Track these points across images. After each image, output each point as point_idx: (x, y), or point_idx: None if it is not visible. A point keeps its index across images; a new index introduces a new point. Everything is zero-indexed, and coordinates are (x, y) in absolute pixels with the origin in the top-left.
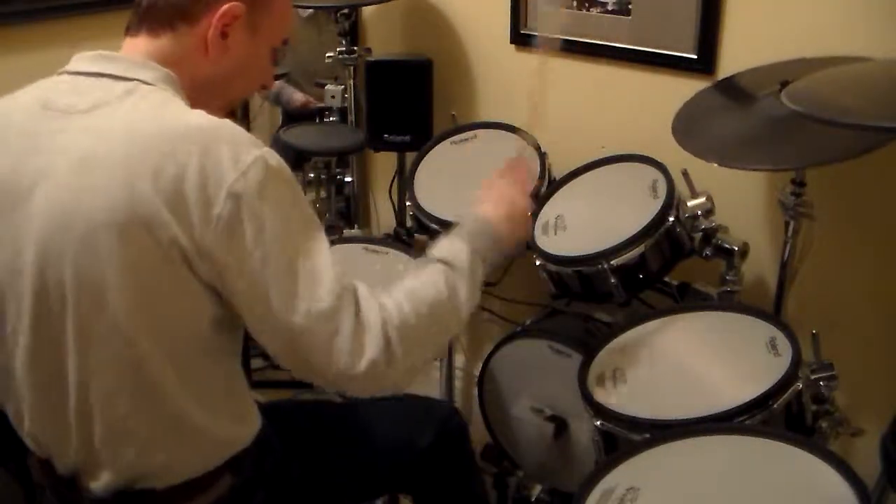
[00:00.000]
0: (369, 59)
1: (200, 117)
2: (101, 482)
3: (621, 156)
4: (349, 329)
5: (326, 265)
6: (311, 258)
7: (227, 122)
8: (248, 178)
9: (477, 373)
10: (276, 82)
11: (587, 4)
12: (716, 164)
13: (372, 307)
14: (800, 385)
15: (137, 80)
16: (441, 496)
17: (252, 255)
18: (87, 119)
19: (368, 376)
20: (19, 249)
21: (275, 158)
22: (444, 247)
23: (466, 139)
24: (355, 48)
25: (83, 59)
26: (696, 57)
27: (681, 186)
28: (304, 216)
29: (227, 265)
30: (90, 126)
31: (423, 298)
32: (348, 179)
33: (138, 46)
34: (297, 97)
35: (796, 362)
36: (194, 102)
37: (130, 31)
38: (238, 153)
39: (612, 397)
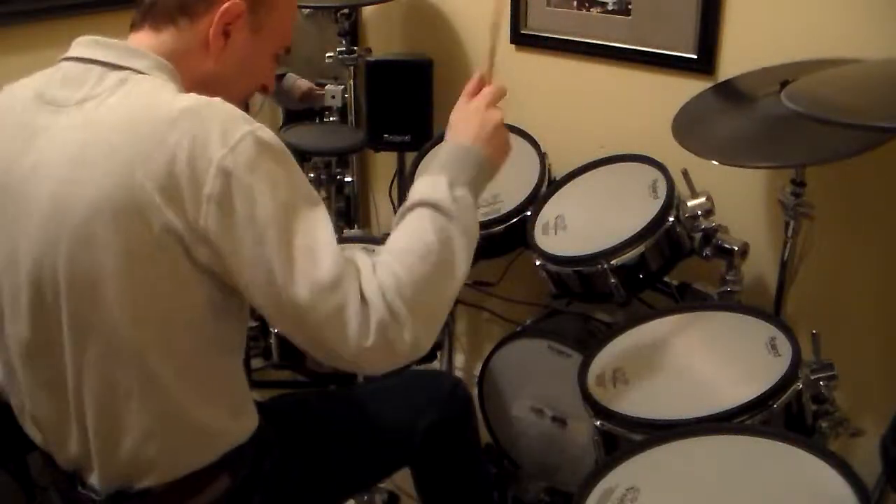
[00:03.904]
0: (369, 59)
1: (189, 99)
2: (99, 476)
3: (621, 156)
4: (355, 302)
5: (326, 239)
6: (308, 234)
7: (217, 100)
8: (238, 153)
9: (477, 373)
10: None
11: (587, 4)
12: (716, 164)
13: (369, 277)
14: (800, 385)
15: (130, 68)
16: (444, 470)
17: (247, 234)
18: (81, 111)
19: (381, 345)
20: (16, 244)
21: (266, 133)
22: (423, 186)
23: None
24: (355, 48)
25: (80, 45)
26: (696, 57)
27: (681, 186)
28: (299, 190)
29: (224, 246)
30: (83, 118)
31: (413, 254)
32: (348, 179)
33: (141, 41)
34: (301, 83)
35: (796, 362)
36: None
37: (134, 26)
38: (227, 130)
39: (612, 397)
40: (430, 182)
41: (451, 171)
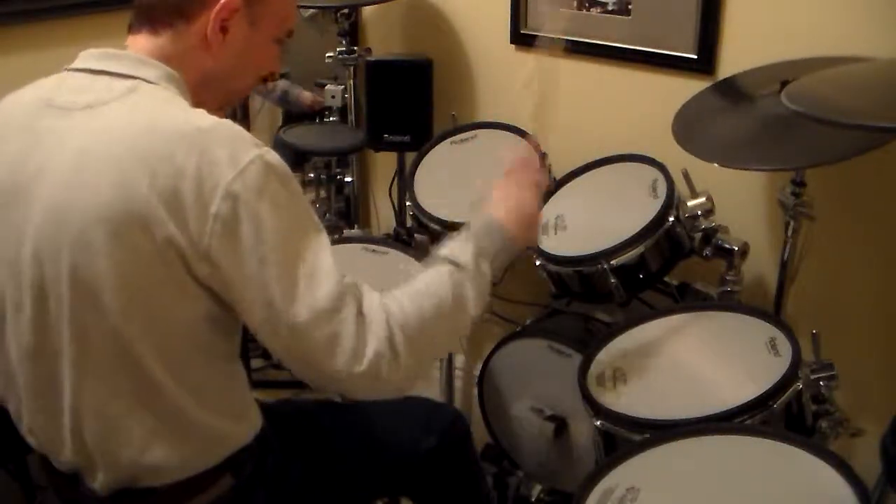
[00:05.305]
0: (369, 59)
1: (199, 118)
2: (99, 481)
3: (621, 156)
4: (351, 329)
5: (327, 265)
6: (311, 258)
7: (227, 122)
8: (246, 177)
9: (477, 373)
10: (282, 81)
11: (587, 4)
12: (716, 165)
13: (374, 306)
14: (800, 385)
15: (140, 78)
16: (443, 500)
17: (251, 257)
18: (87, 117)
19: (371, 375)
20: (18, 247)
21: (273, 157)
22: (450, 246)
23: (466, 139)
24: (355, 48)
25: (89, 57)
26: (696, 57)
27: (681, 186)
28: (304, 216)
29: (227, 265)
30: (89, 124)
31: (426, 297)
32: (348, 179)
33: (140, 44)
34: (306, 96)
35: (796, 362)
36: (198, 97)
37: (132, 29)
38: (236, 152)
39: (612, 397)
40: (459, 245)
41: (481, 242)
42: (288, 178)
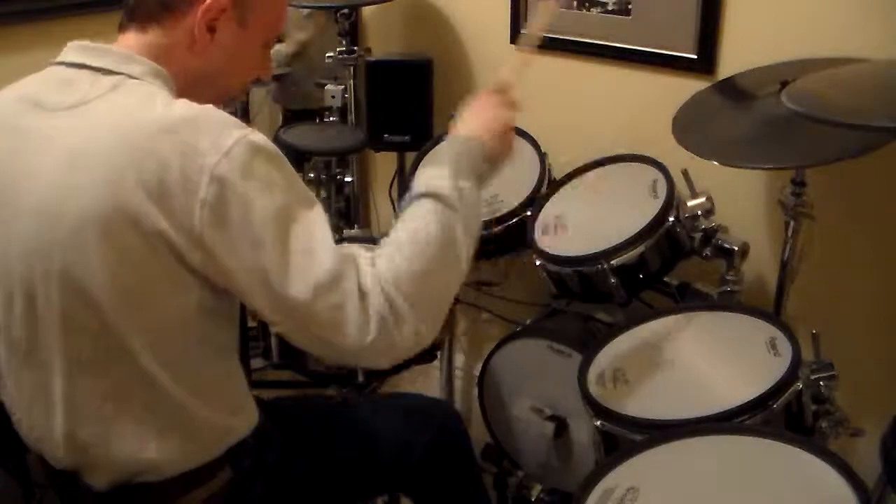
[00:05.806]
0: (369, 59)
1: (182, 108)
2: (97, 478)
3: (621, 156)
4: (354, 297)
5: (323, 238)
6: (305, 233)
7: (209, 107)
8: (231, 159)
9: (477, 373)
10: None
11: (587, 4)
12: (716, 164)
13: (367, 271)
14: (800, 385)
15: (124, 74)
16: (441, 498)
17: (244, 238)
18: (74, 116)
19: (382, 340)
20: (8, 248)
21: (258, 137)
22: (427, 177)
23: None
24: (355, 48)
25: (73, 50)
26: (696, 57)
27: (681, 186)
28: (295, 191)
29: (220, 251)
30: (76, 123)
31: (413, 243)
32: (348, 179)
33: (128, 42)
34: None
35: (796, 362)
36: (187, 95)
37: (122, 27)
38: (219, 137)
39: (612, 397)
40: (434, 173)
41: (457, 163)
42: (275, 157)
